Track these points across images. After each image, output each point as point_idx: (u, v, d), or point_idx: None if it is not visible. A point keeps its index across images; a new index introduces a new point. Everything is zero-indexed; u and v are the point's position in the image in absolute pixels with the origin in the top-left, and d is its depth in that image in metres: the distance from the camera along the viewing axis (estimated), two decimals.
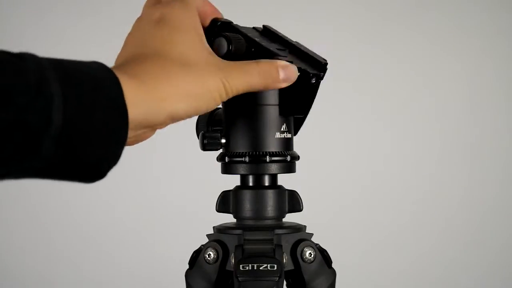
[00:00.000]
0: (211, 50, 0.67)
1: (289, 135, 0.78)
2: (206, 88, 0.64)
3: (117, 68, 0.60)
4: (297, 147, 0.80)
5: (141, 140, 0.67)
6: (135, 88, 0.59)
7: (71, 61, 0.56)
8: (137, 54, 0.65)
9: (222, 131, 0.78)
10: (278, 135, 0.77)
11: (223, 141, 0.77)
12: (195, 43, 0.66)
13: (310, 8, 1.84)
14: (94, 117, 0.54)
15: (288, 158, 0.77)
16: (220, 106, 0.80)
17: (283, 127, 0.78)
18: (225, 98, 0.66)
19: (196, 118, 0.82)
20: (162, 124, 0.63)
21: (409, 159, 1.85)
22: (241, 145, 0.77)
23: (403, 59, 1.85)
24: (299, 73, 0.73)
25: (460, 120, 1.85)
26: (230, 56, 0.72)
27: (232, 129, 0.77)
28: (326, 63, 0.77)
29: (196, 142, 0.79)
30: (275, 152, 0.77)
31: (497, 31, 1.85)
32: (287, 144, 0.78)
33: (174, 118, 0.63)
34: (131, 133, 0.59)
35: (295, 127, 0.80)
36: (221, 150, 0.79)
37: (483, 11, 1.85)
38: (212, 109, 0.67)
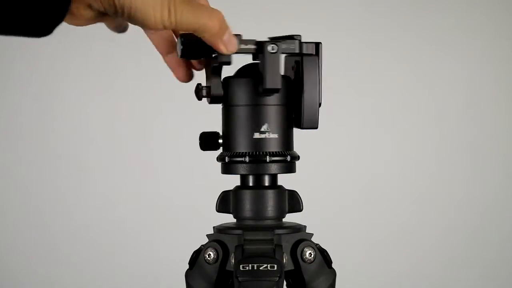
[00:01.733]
0: None
1: (289, 135, 0.78)
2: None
3: None
4: (297, 147, 0.80)
5: (79, 20, 0.65)
6: None
7: None
8: None
9: (221, 131, 0.78)
10: (278, 135, 0.77)
11: (221, 141, 0.78)
12: None
13: (310, 8, 1.84)
14: None
15: (288, 158, 0.77)
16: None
17: (284, 127, 0.78)
18: (167, 24, 0.65)
19: (196, 118, 0.82)
20: (99, 10, 0.62)
21: (409, 159, 1.85)
22: (241, 145, 0.77)
23: (403, 59, 1.85)
24: (255, 46, 0.73)
25: (460, 120, 1.85)
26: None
27: (231, 129, 0.77)
28: (292, 35, 0.76)
29: (196, 142, 0.79)
30: (275, 152, 0.77)
31: (497, 31, 1.85)
32: (287, 144, 0.78)
33: (109, 9, 0.62)
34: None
35: (296, 122, 0.79)
36: (221, 150, 0.79)
37: (483, 11, 1.85)
38: (148, 27, 0.66)
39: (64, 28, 1.99)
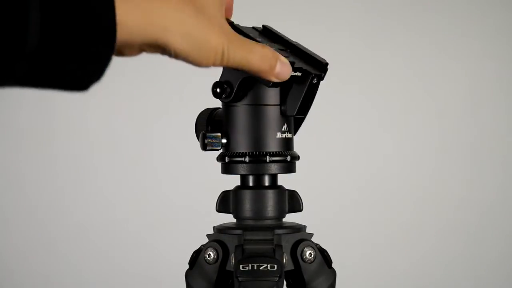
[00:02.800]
0: (225, 17, 0.66)
1: (289, 135, 0.78)
2: (207, 40, 0.62)
3: None
4: (297, 147, 0.80)
5: (124, 56, 0.64)
6: (132, 8, 0.56)
7: None
8: None
9: (222, 131, 0.78)
10: (278, 135, 0.77)
11: (224, 141, 0.77)
12: (216, 1, 0.64)
13: (310, 8, 1.84)
14: (77, 34, 0.52)
15: (288, 158, 0.77)
16: (221, 106, 0.80)
17: (284, 127, 0.78)
18: (219, 62, 0.64)
19: (195, 118, 0.82)
20: (151, 50, 0.61)
21: (409, 159, 1.85)
22: (241, 145, 0.77)
23: (403, 59, 1.85)
24: (300, 74, 0.73)
25: (460, 120, 1.85)
26: None
27: (232, 129, 0.77)
28: (327, 64, 0.77)
29: (196, 142, 0.79)
30: (275, 152, 0.77)
31: (497, 31, 1.85)
32: (287, 144, 0.78)
33: (165, 50, 0.61)
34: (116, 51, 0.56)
35: (295, 127, 0.80)
36: (221, 150, 0.79)
37: (483, 11, 1.85)
38: (202, 65, 0.63)
39: None
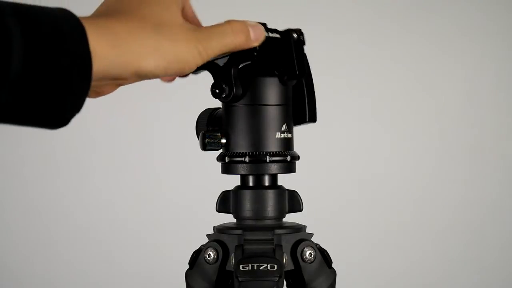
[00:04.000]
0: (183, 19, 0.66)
1: (289, 135, 0.78)
2: (178, 50, 0.62)
3: (86, 18, 0.58)
4: (297, 147, 0.80)
5: (102, 94, 0.65)
6: (102, 39, 0.57)
7: (35, 6, 0.54)
8: (111, 10, 0.63)
9: (222, 131, 0.78)
10: (278, 135, 0.77)
11: (224, 141, 0.77)
12: (171, 7, 0.64)
13: (310, 8, 1.84)
14: (56, 65, 0.52)
15: (288, 158, 0.77)
16: (220, 106, 0.80)
17: (284, 127, 0.78)
18: (200, 62, 0.65)
19: (196, 118, 0.82)
20: (127, 80, 0.62)
21: (409, 159, 1.85)
22: (241, 145, 0.77)
23: (403, 59, 1.85)
24: (279, 35, 0.74)
25: (460, 120, 1.85)
26: None
27: (232, 129, 0.77)
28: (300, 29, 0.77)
29: (196, 142, 0.79)
30: (275, 152, 0.77)
31: (497, 31, 1.85)
32: (287, 144, 0.78)
33: (140, 75, 0.61)
34: (94, 86, 0.57)
35: (310, 94, 0.79)
36: (221, 150, 0.79)
37: (483, 11, 1.85)
38: (185, 73, 0.65)
39: None
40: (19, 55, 0.50)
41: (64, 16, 0.55)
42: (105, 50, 0.57)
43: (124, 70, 0.59)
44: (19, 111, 0.53)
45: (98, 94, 0.64)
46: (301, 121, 0.80)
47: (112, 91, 0.65)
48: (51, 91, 0.53)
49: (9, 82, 0.50)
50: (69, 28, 0.54)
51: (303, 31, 0.78)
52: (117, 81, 0.61)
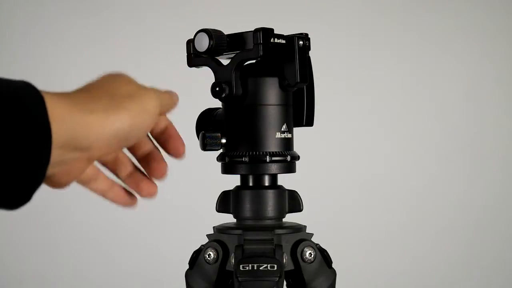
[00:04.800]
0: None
1: (289, 135, 0.78)
2: (144, 109, 0.63)
3: (48, 92, 0.57)
4: (297, 147, 0.80)
5: (73, 177, 0.63)
6: (63, 104, 0.56)
7: None
8: (86, 89, 0.63)
9: (222, 131, 0.78)
10: (278, 135, 0.77)
11: (224, 141, 0.77)
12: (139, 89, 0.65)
13: (309, 8, 1.84)
14: (17, 134, 0.52)
15: (288, 158, 0.77)
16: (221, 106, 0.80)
17: (284, 127, 0.78)
18: (156, 119, 0.65)
19: (196, 118, 0.82)
20: (93, 148, 0.59)
21: (409, 159, 1.85)
22: (241, 145, 0.77)
23: (403, 59, 1.85)
24: (284, 41, 0.75)
25: (460, 119, 1.85)
26: (212, 50, 0.73)
27: (232, 129, 0.77)
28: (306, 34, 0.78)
29: (196, 142, 0.79)
30: (275, 152, 0.77)
31: (497, 31, 1.85)
32: (287, 144, 0.78)
33: (105, 138, 0.59)
34: (58, 156, 0.56)
35: (310, 101, 0.80)
36: (221, 150, 0.79)
37: (483, 11, 1.85)
38: (148, 127, 0.64)
39: (63, 30, 1.98)
40: None
41: (25, 90, 0.54)
42: (65, 112, 0.56)
43: (87, 133, 0.58)
44: None
45: (68, 174, 0.62)
46: (298, 124, 0.80)
47: (82, 171, 0.63)
48: (11, 161, 0.52)
49: None
50: (30, 99, 0.54)
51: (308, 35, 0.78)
52: (84, 148, 0.59)
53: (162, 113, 0.67)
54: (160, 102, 0.65)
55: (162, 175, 0.71)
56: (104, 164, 0.70)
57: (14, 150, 0.52)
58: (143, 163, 0.70)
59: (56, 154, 0.55)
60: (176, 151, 0.70)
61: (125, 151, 0.70)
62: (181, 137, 0.70)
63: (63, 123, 0.55)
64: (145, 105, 0.63)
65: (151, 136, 0.70)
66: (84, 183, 0.69)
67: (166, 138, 0.70)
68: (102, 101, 0.60)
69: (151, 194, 0.72)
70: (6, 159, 0.52)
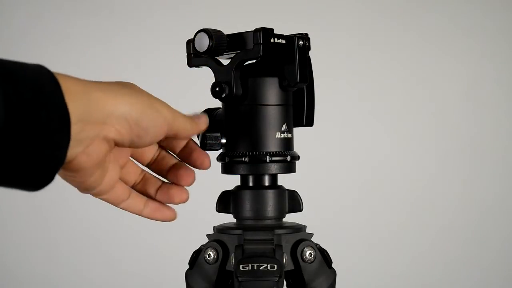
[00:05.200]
0: None
1: (289, 135, 0.78)
2: (155, 108, 0.65)
3: (62, 74, 0.59)
4: (297, 147, 0.80)
5: (94, 160, 0.64)
6: (77, 83, 0.59)
7: (11, 61, 0.56)
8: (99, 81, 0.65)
9: (222, 131, 0.78)
10: (278, 135, 0.77)
11: (224, 141, 0.77)
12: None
13: (309, 8, 1.84)
14: (37, 114, 0.54)
15: (288, 158, 0.77)
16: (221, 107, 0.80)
17: (284, 127, 0.78)
18: (166, 130, 0.67)
19: None
20: (107, 124, 0.61)
21: (409, 159, 1.85)
22: (241, 145, 0.77)
23: (403, 59, 1.85)
24: (284, 41, 0.76)
25: (459, 120, 1.85)
26: (212, 50, 0.74)
27: (232, 129, 0.77)
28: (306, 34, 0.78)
29: (196, 142, 0.79)
30: (275, 152, 0.77)
31: (497, 31, 1.85)
32: (287, 144, 0.78)
33: (117, 115, 0.62)
34: (75, 134, 0.58)
35: (310, 101, 0.80)
36: (221, 150, 0.79)
37: (483, 11, 1.85)
38: (158, 128, 0.66)
39: (63, 30, 1.98)
40: (0, 107, 0.52)
41: (40, 72, 0.57)
42: (79, 88, 0.59)
43: (101, 108, 0.60)
44: (4, 167, 0.54)
45: (87, 156, 0.63)
46: (298, 124, 0.80)
47: (100, 153, 0.64)
48: (34, 142, 0.54)
49: None
50: (45, 82, 0.56)
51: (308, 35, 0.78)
52: (98, 127, 0.61)
53: (178, 134, 0.69)
54: (174, 117, 0.68)
55: (190, 181, 0.75)
56: (134, 186, 0.74)
57: (36, 132, 0.54)
58: (170, 175, 0.74)
59: (73, 130, 0.57)
60: (201, 162, 0.73)
61: (151, 172, 0.75)
62: (205, 152, 0.74)
63: (77, 99, 0.58)
64: (159, 107, 0.66)
65: (174, 154, 0.74)
66: (118, 203, 0.72)
67: (189, 152, 0.73)
68: (115, 86, 0.63)
69: (183, 199, 0.76)
70: (28, 141, 0.54)
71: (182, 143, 0.74)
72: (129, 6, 1.84)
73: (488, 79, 1.85)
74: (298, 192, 0.80)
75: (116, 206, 0.72)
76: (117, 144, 0.64)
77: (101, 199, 0.71)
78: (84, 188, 0.67)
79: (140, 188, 0.74)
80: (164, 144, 0.74)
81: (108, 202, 0.72)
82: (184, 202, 0.75)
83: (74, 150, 0.59)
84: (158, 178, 0.75)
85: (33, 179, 0.56)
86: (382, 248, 1.84)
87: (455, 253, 1.85)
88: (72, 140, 0.58)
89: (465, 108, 1.85)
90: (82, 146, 0.60)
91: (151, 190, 0.74)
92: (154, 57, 1.80)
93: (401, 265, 1.83)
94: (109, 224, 1.83)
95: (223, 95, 0.76)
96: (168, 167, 0.74)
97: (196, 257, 0.80)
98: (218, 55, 0.77)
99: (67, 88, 0.57)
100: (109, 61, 1.82)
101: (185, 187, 0.75)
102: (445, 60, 1.85)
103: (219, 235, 0.79)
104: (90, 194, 0.69)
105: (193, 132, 0.72)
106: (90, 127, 0.60)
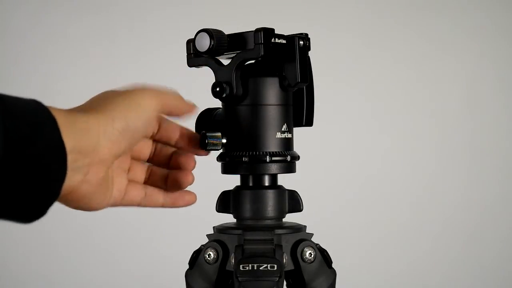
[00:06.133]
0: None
1: (289, 135, 0.78)
2: (136, 104, 0.67)
3: (54, 108, 0.61)
4: (297, 147, 0.80)
5: (94, 185, 0.65)
6: (66, 116, 0.60)
7: (11, 96, 0.57)
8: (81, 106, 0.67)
9: (222, 131, 0.78)
10: (278, 135, 0.77)
11: (224, 141, 0.77)
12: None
13: (308, 8, 1.84)
14: (35, 150, 0.56)
15: (288, 158, 0.77)
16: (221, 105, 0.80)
17: (284, 127, 0.78)
18: (156, 114, 0.69)
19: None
20: (98, 149, 0.63)
21: (408, 159, 1.85)
22: (242, 145, 0.77)
23: (403, 59, 1.85)
24: (285, 41, 0.75)
25: (459, 120, 1.85)
26: (213, 50, 0.74)
27: (232, 129, 0.77)
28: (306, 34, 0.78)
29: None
30: (275, 152, 0.77)
31: (497, 31, 1.85)
32: (287, 144, 0.78)
33: (107, 137, 0.63)
34: (70, 164, 0.59)
35: (309, 101, 0.80)
36: (221, 150, 0.79)
37: (483, 11, 1.85)
38: (146, 121, 0.67)
39: (63, 30, 1.98)
40: (0, 140, 0.53)
41: (37, 108, 0.58)
42: (68, 119, 0.60)
43: (89, 137, 0.62)
44: (1, 198, 0.55)
45: (87, 184, 0.64)
46: (297, 124, 0.80)
47: (99, 177, 0.65)
48: (30, 176, 0.56)
49: None
50: (43, 118, 0.58)
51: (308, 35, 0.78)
52: (90, 155, 0.62)
53: (167, 111, 0.70)
54: (160, 100, 0.68)
55: (192, 164, 0.76)
56: (145, 182, 0.76)
57: (33, 166, 0.56)
58: (173, 163, 0.76)
59: (69, 160, 0.59)
60: (195, 146, 0.75)
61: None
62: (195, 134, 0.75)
63: (69, 132, 0.59)
64: (139, 100, 0.67)
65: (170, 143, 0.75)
66: (137, 204, 0.75)
67: (185, 140, 0.75)
68: (95, 104, 0.65)
69: (189, 182, 0.76)
70: (24, 175, 0.55)
71: (175, 134, 0.74)
72: (129, 6, 1.84)
73: (488, 79, 1.85)
74: (298, 192, 0.80)
75: (137, 206, 0.75)
76: (116, 157, 0.66)
77: (120, 206, 0.73)
78: (95, 209, 0.69)
79: (151, 183, 0.76)
80: (158, 137, 0.75)
81: (128, 206, 0.74)
82: (191, 184, 0.76)
83: (73, 179, 0.61)
84: (163, 169, 0.76)
85: (27, 212, 0.58)
86: (382, 248, 1.84)
87: (455, 253, 1.85)
88: (69, 170, 0.59)
89: (465, 108, 1.85)
90: (80, 174, 0.62)
91: (161, 182, 0.76)
92: (153, 57, 1.80)
93: (401, 265, 1.83)
94: (109, 224, 1.83)
95: (224, 95, 0.76)
96: (167, 157, 0.76)
97: (196, 257, 0.80)
98: (219, 55, 0.78)
99: (60, 123, 0.59)
100: (109, 61, 1.82)
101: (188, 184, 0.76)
102: (445, 60, 1.85)
103: (219, 235, 0.79)
104: (107, 207, 0.70)
105: (186, 109, 0.72)
106: (83, 156, 0.61)
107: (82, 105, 0.65)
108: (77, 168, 0.61)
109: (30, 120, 0.56)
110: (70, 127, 0.60)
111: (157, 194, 0.76)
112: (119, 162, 0.71)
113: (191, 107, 0.72)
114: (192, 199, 0.77)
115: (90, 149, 0.62)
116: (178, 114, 0.72)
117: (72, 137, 0.59)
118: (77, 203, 0.66)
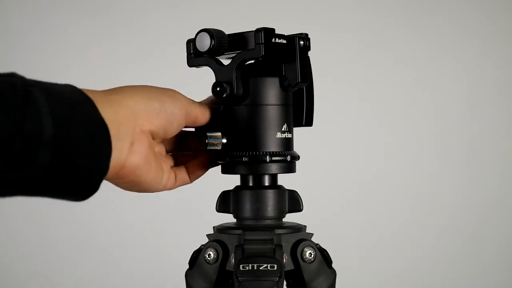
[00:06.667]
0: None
1: (289, 135, 0.78)
2: (170, 95, 0.71)
3: (89, 90, 0.65)
4: (297, 147, 0.80)
5: (143, 155, 0.68)
6: (98, 94, 0.64)
7: (48, 82, 0.60)
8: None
9: (222, 131, 0.78)
10: (278, 135, 0.77)
11: (224, 141, 0.77)
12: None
13: (308, 8, 1.84)
14: (79, 128, 0.59)
15: (289, 158, 0.77)
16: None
17: (284, 127, 0.78)
18: (185, 114, 0.73)
19: None
20: (139, 120, 0.67)
21: (408, 159, 1.85)
22: (242, 145, 0.77)
23: (403, 59, 1.85)
24: (285, 41, 0.76)
25: (459, 120, 1.85)
26: (213, 50, 0.74)
27: (232, 129, 0.77)
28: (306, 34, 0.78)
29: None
30: (275, 152, 0.77)
31: (497, 31, 1.85)
32: (287, 144, 0.78)
33: (143, 110, 0.68)
34: (123, 146, 0.64)
35: (309, 101, 0.81)
36: (221, 150, 0.79)
37: (483, 11, 1.85)
38: (180, 113, 0.72)
39: (63, 30, 1.97)
40: (48, 120, 0.56)
41: (73, 90, 0.62)
42: (100, 97, 0.64)
43: (124, 107, 0.66)
44: (55, 176, 0.58)
45: (137, 153, 0.67)
46: (297, 124, 0.80)
47: (145, 145, 0.68)
48: (81, 153, 0.59)
49: (44, 143, 0.56)
50: (80, 99, 0.61)
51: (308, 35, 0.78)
52: (132, 124, 0.66)
53: (196, 121, 0.75)
54: (189, 102, 0.73)
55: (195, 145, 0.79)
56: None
57: (80, 144, 0.59)
58: (179, 144, 0.79)
59: (111, 132, 0.62)
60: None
61: None
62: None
63: (104, 106, 0.63)
64: (172, 94, 0.72)
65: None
66: (173, 183, 0.78)
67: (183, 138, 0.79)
68: (125, 88, 0.69)
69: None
70: (74, 153, 0.58)
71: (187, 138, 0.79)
72: (129, 6, 1.84)
73: (488, 79, 1.85)
74: (298, 192, 0.80)
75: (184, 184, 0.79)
76: (153, 136, 0.69)
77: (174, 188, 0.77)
78: (156, 188, 0.73)
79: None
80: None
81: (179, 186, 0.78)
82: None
83: (120, 151, 0.64)
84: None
85: (80, 189, 0.61)
86: (382, 248, 1.84)
87: (455, 253, 1.85)
88: (113, 139, 0.62)
89: (465, 108, 1.85)
90: (126, 143, 0.65)
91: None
92: (153, 57, 1.80)
93: (401, 265, 1.83)
94: (109, 224, 1.83)
95: (224, 95, 0.76)
96: (173, 142, 0.79)
97: (196, 257, 0.80)
98: (219, 55, 0.78)
99: (96, 101, 0.62)
100: (109, 61, 1.82)
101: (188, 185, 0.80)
102: (445, 60, 1.85)
103: (219, 235, 0.79)
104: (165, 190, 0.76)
105: (206, 120, 0.76)
106: (124, 125, 0.65)
107: (113, 88, 0.68)
108: (120, 137, 0.64)
109: (69, 101, 0.59)
110: (105, 103, 0.63)
111: (184, 173, 0.79)
112: (159, 149, 0.75)
113: (207, 116, 0.77)
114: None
115: (129, 118, 0.66)
116: (199, 123, 0.76)
117: (108, 111, 0.63)
118: (134, 181, 0.69)
